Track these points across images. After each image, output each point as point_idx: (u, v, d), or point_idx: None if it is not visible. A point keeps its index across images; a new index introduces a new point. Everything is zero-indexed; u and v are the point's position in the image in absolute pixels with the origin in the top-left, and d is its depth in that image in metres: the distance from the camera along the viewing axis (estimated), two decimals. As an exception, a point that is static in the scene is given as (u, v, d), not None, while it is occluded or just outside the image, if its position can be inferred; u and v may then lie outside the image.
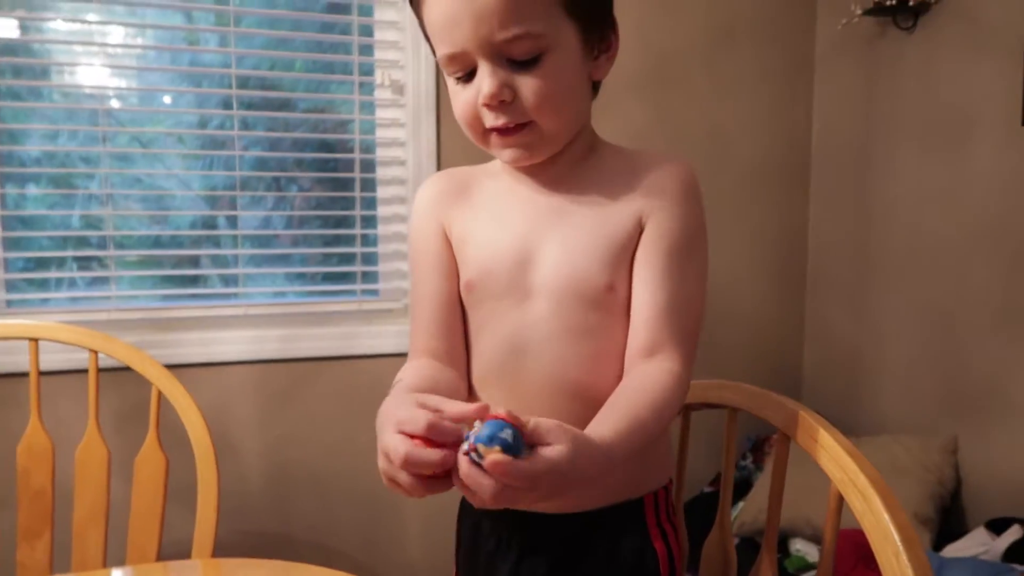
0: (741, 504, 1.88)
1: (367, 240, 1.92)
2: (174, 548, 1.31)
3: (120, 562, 1.23)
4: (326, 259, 1.93)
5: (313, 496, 1.85)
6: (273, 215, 1.89)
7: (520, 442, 0.59)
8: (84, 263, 1.76)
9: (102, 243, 1.75)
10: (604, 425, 0.69)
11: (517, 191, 0.87)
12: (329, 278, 1.94)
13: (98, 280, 1.76)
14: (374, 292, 1.93)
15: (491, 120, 0.79)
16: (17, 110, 1.68)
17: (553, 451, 0.61)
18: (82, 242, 1.75)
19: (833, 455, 0.73)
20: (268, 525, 1.83)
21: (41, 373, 1.26)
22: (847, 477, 0.71)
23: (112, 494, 1.24)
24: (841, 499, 0.74)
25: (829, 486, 0.75)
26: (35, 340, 1.23)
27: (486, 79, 0.76)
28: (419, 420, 0.61)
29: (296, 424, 1.83)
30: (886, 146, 2.00)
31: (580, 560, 0.85)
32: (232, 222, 1.84)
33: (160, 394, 1.24)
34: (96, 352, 1.24)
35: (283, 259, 1.90)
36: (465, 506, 0.98)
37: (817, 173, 2.23)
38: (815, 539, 1.73)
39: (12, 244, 1.70)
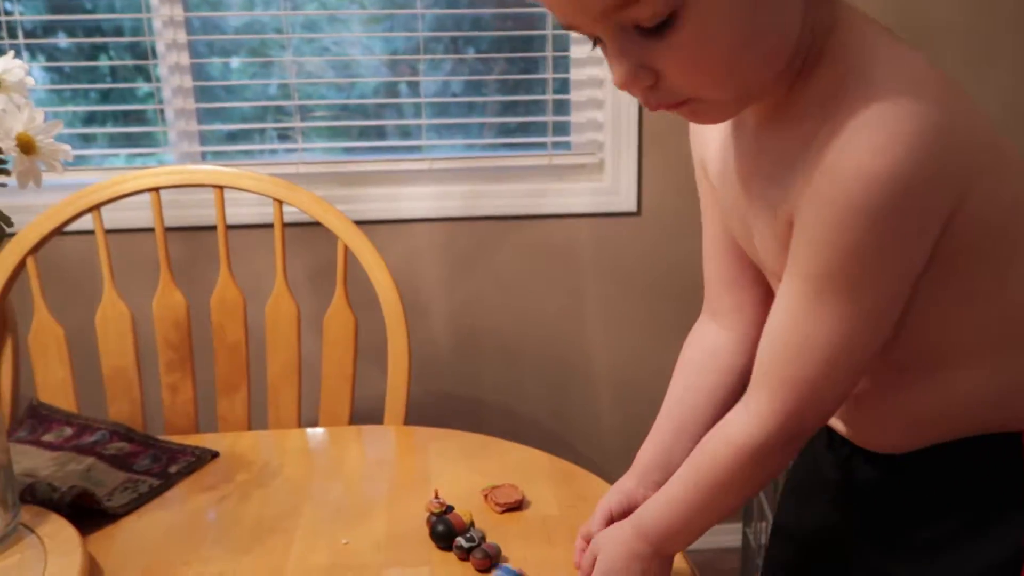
0: None
1: (559, 87, 1.71)
2: (366, 404, 1.26)
3: (314, 421, 1.20)
4: (514, 111, 1.76)
5: (502, 361, 1.77)
6: (464, 57, 1.72)
7: None
8: (272, 131, 1.71)
9: (290, 110, 1.68)
10: (649, 505, 0.68)
11: (735, 141, 0.65)
12: (518, 131, 1.77)
13: (285, 143, 1.71)
14: (566, 145, 1.74)
15: (641, 99, 0.56)
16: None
17: None
18: (271, 109, 1.70)
19: None
20: (457, 388, 1.78)
21: (231, 227, 1.20)
22: None
23: (304, 350, 1.19)
24: None
25: None
26: (220, 188, 1.16)
27: (613, 62, 0.54)
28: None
29: (483, 286, 1.74)
30: None
31: (922, 498, 0.67)
32: (416, 79, 1.70)
33: (347, 250, 1.15)
34: (281, 202, 1.15)
35: (468, 113, 1.75)
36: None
37: None
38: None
39: (205, 113, 1.67)
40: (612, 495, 0.74)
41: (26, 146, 0.78)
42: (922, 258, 0.55)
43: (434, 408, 1.73)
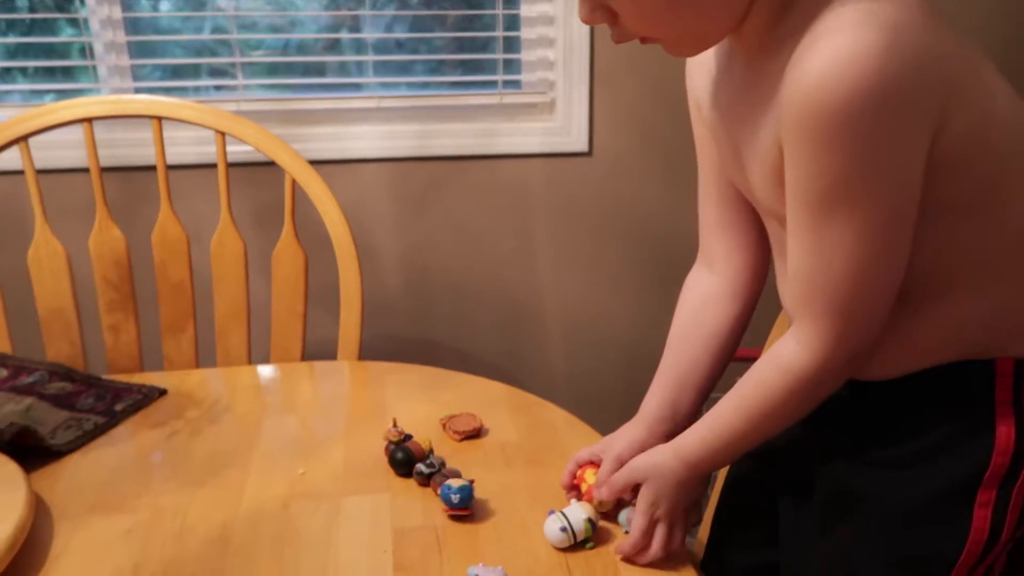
0: None
1: (509, 24, 1.67)
2: (317, 347, 1.24)
3: (264, 362, 1.17)
4: (463, 47, 1.71)
5: (453, 301, 1.76)
6: (403, -7, 1.67)
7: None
8: (212, 71, 1.64)
9: (229, 51, 1.60)
10: (692, 435, 0.71)
11: (726, 76, 0.67)
12: (467, 69, 1.73)
13: (226, 88, 1.63)
14: (516, 84, 1.71)
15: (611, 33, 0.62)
16: None
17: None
18: (209, 50, 1.62)
19: None
20: (409, 330, 1.76)
21: (171, 167, 1.15)
22: None
23: (253, 292, 1.16)
24: None
25: None
26: (159, 119, 1.11)
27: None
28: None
29: (435, 227, 1.71)
30: None
31: (892, 419, 0.69)
32: (362, 13, 1.64)
33: (295, 184, 1.12)
34: (224, 134, 1.11)
35: (416, 51, 1.70)
36: None
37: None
38: None
39: (141, 52, 1.58)
40: (621, 442, 0.76)
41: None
42: (916, 170, 0.55)
43: (386, 349, 1.70)
